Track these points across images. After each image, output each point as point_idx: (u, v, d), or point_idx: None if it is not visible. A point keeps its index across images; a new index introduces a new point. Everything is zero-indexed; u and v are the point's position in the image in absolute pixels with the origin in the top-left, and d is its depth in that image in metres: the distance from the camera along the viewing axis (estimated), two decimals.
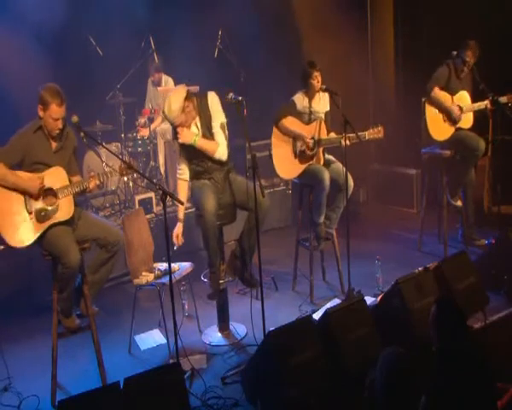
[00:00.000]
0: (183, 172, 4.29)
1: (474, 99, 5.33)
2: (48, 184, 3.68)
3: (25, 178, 3.64)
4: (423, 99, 5.36)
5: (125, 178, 6.07)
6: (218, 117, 4.20)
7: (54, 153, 3.76)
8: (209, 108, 4.17)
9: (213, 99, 4.19)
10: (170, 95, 4.12)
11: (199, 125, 4.19)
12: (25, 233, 3.63)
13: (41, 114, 3.67)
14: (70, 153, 3.87)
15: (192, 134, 4.14)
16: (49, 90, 3.64)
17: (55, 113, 3.63)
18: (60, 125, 3.68)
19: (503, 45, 6.16)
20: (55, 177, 3.71)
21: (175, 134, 4.20)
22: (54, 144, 3.77)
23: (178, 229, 4.23)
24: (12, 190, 3.62)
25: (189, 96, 4.07)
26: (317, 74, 4.75)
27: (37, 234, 3.65)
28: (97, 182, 3.78)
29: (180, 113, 4.02)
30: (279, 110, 4.83)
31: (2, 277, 4.99)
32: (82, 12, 6.40)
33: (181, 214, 4.26)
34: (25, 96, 5.35)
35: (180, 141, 4.14)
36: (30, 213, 3.64)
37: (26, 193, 3.64)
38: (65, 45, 6.23)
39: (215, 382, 3.79)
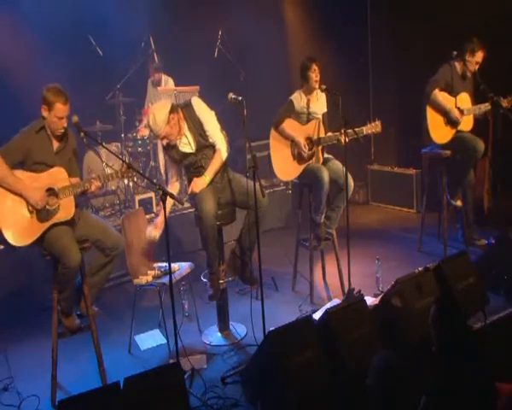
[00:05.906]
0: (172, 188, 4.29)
1: (477, 100, 5.30)
2: (49, 184, 3.68)
3: (30, 187, 3.61)
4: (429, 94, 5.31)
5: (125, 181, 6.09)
6: (208, 119, 4.18)
7: (55, 154, 3.76)
8: (197, 115, 4.15)
9: (199, 104, 4.18)
10: (154, 107, 4.12)
11: (188, 135, 4.16)
12: (25, 232, 3.62)
13: (45, 114, 3.67)
14: (70, 154, 3.87)
15: (202, 179, 4.13)
16: (52, 90, 3.65)
17: (60, 111, 3.64)
18: (64, 123, 3.69)
19: (504, 45, 6.15)
20: (57, 177, 3.70)
21: (167, 148, 4.19)
22: (55, 145, 3.77)
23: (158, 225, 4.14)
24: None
25: (173, 109, 4.06)
26: (315, 67, 4.70)
27: (38, 234, 3.65)
28: (99, 184, 3.77)
29: (165, 125, 4.01)
30: (278, 114, 4.81)
31: (3, 277, 4.99)
32: (82, 12, 6.41)
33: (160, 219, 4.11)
34: (25, 95, 5.37)
35: (196, 191, 4.10)
36: (31, 212, 3.64)
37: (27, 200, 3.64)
38: (65, 45, 6.23)
39: (215, 382, 3.78)
